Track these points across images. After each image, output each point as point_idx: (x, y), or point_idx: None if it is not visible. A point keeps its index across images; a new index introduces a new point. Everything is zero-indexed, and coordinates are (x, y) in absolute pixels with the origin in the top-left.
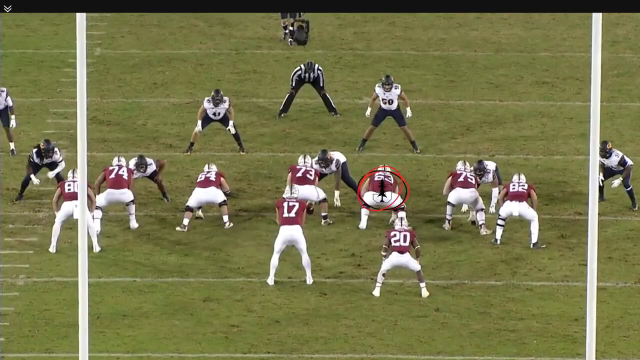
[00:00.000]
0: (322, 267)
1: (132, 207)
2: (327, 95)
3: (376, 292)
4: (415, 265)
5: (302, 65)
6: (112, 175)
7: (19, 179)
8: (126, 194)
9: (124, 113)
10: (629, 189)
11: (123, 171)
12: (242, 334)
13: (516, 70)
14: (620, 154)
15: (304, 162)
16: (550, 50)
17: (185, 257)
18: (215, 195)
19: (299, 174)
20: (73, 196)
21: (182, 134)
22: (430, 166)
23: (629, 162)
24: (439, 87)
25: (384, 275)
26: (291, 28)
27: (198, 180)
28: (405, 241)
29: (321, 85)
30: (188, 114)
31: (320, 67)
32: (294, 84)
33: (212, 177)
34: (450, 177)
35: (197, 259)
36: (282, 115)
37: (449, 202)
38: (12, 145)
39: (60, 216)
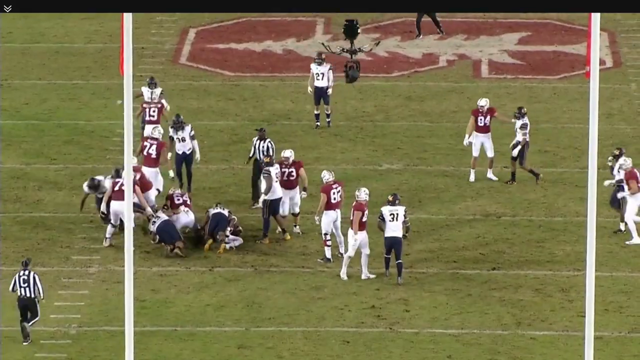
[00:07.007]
0: (345, 317)
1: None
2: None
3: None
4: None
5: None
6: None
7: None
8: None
9: (166, 177)
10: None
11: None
12: None
13: None
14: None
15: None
16: (551, 122)
17: (222, 309)
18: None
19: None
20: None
21: (218, 197)
22: (443, 227)
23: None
24: (450, 155)
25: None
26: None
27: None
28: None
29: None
30: (224, 178)
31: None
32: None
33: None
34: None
35: (233, 310)
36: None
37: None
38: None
39: None
